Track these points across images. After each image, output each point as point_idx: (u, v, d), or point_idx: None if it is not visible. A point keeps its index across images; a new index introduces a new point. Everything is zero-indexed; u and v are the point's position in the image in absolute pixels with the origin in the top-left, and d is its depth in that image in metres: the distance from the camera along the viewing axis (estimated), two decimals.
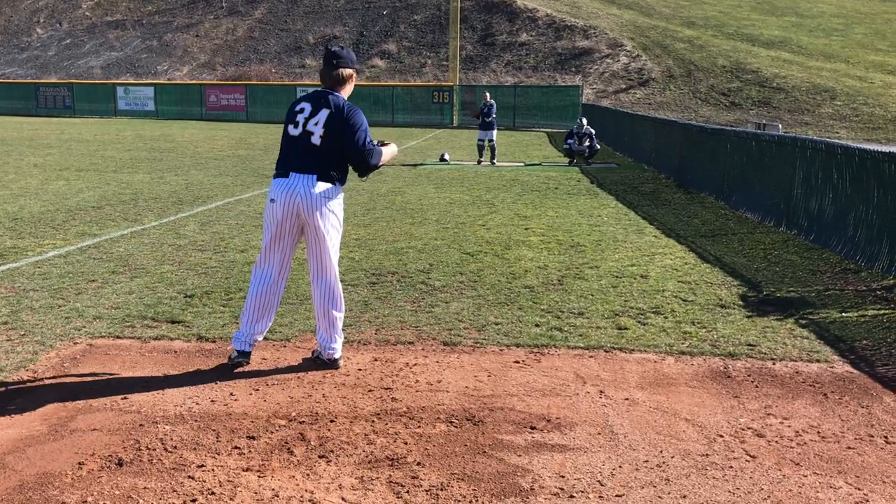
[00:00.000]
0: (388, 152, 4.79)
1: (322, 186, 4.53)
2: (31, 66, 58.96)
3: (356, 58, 4.90)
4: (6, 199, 12.02)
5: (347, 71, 4.68)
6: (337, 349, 4.82)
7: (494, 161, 19.68)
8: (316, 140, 4.53)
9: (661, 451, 3.73)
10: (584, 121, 20.92)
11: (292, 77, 50.97)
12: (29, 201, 11.76)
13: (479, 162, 19.75)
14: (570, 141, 20.49)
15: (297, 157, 4.56)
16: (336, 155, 4.57)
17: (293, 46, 55.18)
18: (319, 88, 4.71)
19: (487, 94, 21.17)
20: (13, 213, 10.67)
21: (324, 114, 4.55)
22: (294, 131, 4.58)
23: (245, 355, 4.79)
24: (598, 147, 20.62)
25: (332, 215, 4.61)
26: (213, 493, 3.27)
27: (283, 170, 4.58)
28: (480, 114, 20.03)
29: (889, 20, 51.80)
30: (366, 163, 4.62)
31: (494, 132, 19.82)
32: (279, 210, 4.54)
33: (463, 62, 46.81)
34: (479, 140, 19.97)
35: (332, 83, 4.67)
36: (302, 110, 4.60)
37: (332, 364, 4.79)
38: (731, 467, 3.58)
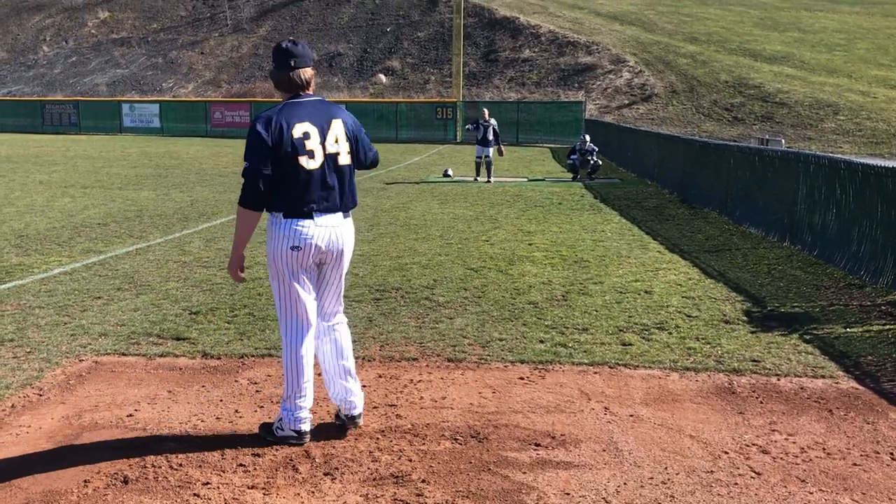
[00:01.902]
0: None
1: (349, 221, 3.96)
2: (38, 84, 59.34)
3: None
4: (12, 216, 12.08)
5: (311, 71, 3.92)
6: (359, 403, 4.17)
7: (491, 179, 19.39)
8: (346, 160, 3.87)
9: (665, 468, 3.72)
10: (588, 137, 20.95)
11: None
12: (35, 218, 11.82)
13: (475, 179, 19.59)
14: (573, 157, 20.52)
15: (324, 192, 3.78)
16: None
17: None
18: (303, 98, 3.84)
19: (486, 110, 21.02)
20: (19, 230, 10.72)
21: (338, 125, 3.86)
22: (311, 163, 3.73)
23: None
24: (601, 163, 20.64)
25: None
26: None
27: (307, 210, 3.76)
28: (477, 126, 19.80)
29: (891, 35, 51.93)
30: (376, 165, 4.21)
31: (491, 150, 19.49)
32: (305, 257, 3.80)
33: (466, 78, 47.00)
34: (477, 157, 19.82)
35: (309, 85, 3.88)
36: (306, 135, 3.73)
37: (351, 422, 4.13)
38: (737, 484, 3.57)
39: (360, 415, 4.12)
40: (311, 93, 3.90)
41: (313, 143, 3.75)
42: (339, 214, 3.86)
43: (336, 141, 3.83)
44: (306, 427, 3.96)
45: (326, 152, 3.79)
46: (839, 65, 45.05)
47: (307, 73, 3.84)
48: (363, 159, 4.06)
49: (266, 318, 6.29)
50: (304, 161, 3.72)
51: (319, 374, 4.16)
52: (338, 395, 4.09)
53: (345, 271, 4.04)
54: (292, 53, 3.80)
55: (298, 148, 3.71)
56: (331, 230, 3.82)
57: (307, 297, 3.88)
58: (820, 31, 53.07)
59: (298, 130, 3.72)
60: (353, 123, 3.98)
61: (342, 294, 4.11)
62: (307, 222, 3.76)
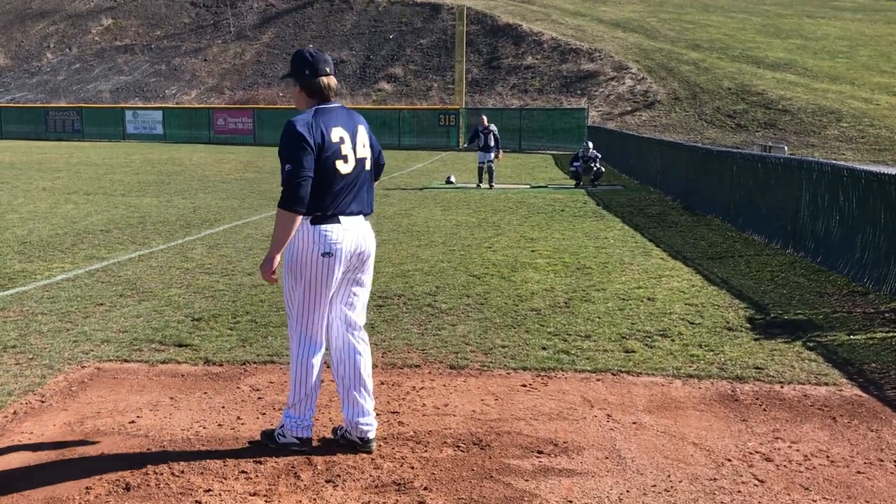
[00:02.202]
0: None
1: (370, 226, 3.96)
2: (41, 91, 59.51)
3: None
4: (15, 222, 12.10)
5: None
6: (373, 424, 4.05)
7: (493, 184, 19.50)
8: (370, 165, 3.92)
9: (668, 476, 3.71)
10: (590, 144, 20.98)
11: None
12: (38, 225, 11.84)
13: (478, 186, 19.67)
14: (576, 164, 20.54)
15: (352, 196, 3.79)
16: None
17: None
18: (330, 105, 3.82)
19: (484, 117, 21.09)
20: (22, 236, 10.74)
21: (363, 131, 3.89)
22: (346, 167, 3.74)
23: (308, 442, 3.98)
24: (604, 170, 20.65)
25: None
26: None
27: (336, 214, 3.73)
28: (476, 134, 19.93)
29: (894, 42, 51.95)
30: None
31: (492, 154, 19.61)
32: (337, 263, 3.74)
33: (469, 85, 47.07)
34: (480, 163, 19.93)
35: (329, 95, 3.85)
36: (341, 140, 3.73)
37: (365, 445, 3.98)
38: (740, 492, 3.56)
39: (374, 439, 3.98)
40: (335, 100, 3.89)
41: (347, 149, 3.76)
42: (362, 217, 3.86)
43: (364, 146, 3.86)
44: (309, 434, 3.93)
45: (357, 157, 3.80)
46: (842, 72, 45.06)
47: (333, 80, 3.86)
48: (380, 164, 4.09)
49: (268, 325, 6.29)
50: (340, 165, 3.72)
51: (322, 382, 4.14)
52: (351, 413, 3.96)
53: (371, 278, 4.03)
54: (324, 60, 3.82)
55: (336, 152, 3.71)
56: (357, 234, 3.81)
57: (326, 307, 3.83)
58: (822, 39, 53.11)
59: (335, 135, 3.72)
60: (370, 130, 4.02)
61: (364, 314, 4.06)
62: (336, 227, 3.72)
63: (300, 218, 3.67)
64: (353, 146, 3.78)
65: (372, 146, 3.97)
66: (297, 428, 3.90)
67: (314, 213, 3.69)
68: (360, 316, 4.01)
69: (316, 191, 3.66)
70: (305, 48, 3.92)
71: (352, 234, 3.77)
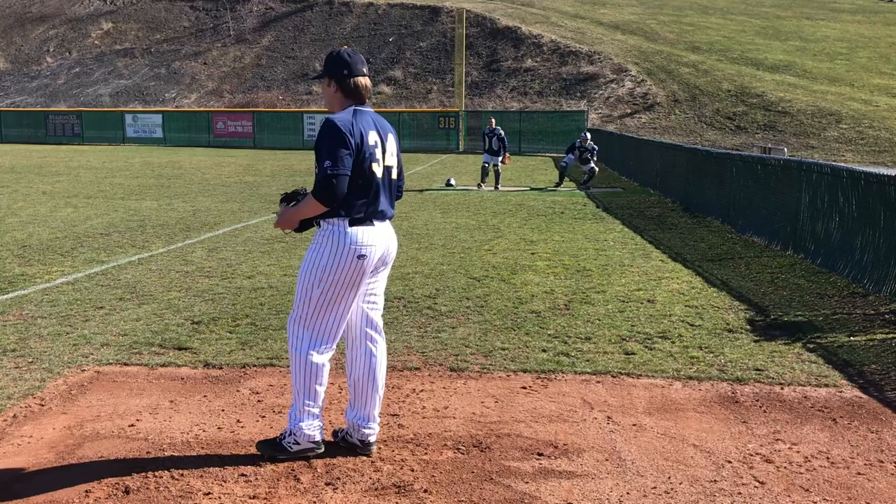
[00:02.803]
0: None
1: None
2: (41, 95, 59.56)
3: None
4: (15, 226, 12.10)
5: None
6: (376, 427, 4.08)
7: (498, 186, 19.70)
8: (395, 174, 3.91)
9: (669, 478, 3.71)
10: (588, 135, 20.99)
11: (299, 104, 51.34)
12: (37, 228, 11.84)
13: (479, 185, 19.73)
14: (570, 156, 20.51)
15: (384, 200, 3.81)
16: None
17: (300, 73, 55.64)
18: (365, 108, 3.82)
19: (493, 119, 21.25)
20: (22, 240, 10.74)
21: (392, 140, 3.89)
22: (378, 170, 3.75)
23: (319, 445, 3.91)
24: (596, 170, 20.61)
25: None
26: None
27: (370, 217, 3.75)
28: (483, 137, 20.10)
29: (893, 44, 52.01)
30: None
31: (498, 158, 19.80)
32: (369, 266, 3.78)
33: (468, 88, 47.11)
34: (485, 162, 19.99)
35: (365, 97, 3.84)
36: (376, 144, 3.74)
37: (365, 448, 3.99)
38: (740, 493, 3.56)
39: (374, 443, 3.98)
40: (368, 104, 3.87)
41: (379, 153, 3.76)
42: (389, 222, 3.89)
43: (392, 155, 3.85)
44: (321, 435, 3.88)
45: (385, 164, 3.80)
46: (841, 73, 45.11)
47: (369, 81, 3.84)
48: (400, 186, 4.06)
49: (268, 328, 6.29)
50: (375, 168, 3.73)
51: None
52: (356, 415, 3.95)
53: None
54: (361, 61, 3.82)
55: (372, 155, 3.71)
56: (387, 238, 3.85)
57: (347, 308, 3.80)
58: (821, 40, 53.16)
59: (372, 138, 3.73)
60: (398, 140, 4.00)
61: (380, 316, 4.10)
62: (372, 231, 3.74)
63: (325, 210, 3.65)
64: (383, 152, 3.79)
65: (399, 159, 3.95)
66: (310, 430, 3.82)
67: (352, 216, 3.68)
68: (380, 317, 4.03)
69: (353, 192, 3.66)
70: (342, 48, 3.88)
71: (383, 238, 3.80)
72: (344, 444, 3.98)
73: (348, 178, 3.61)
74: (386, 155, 3.80)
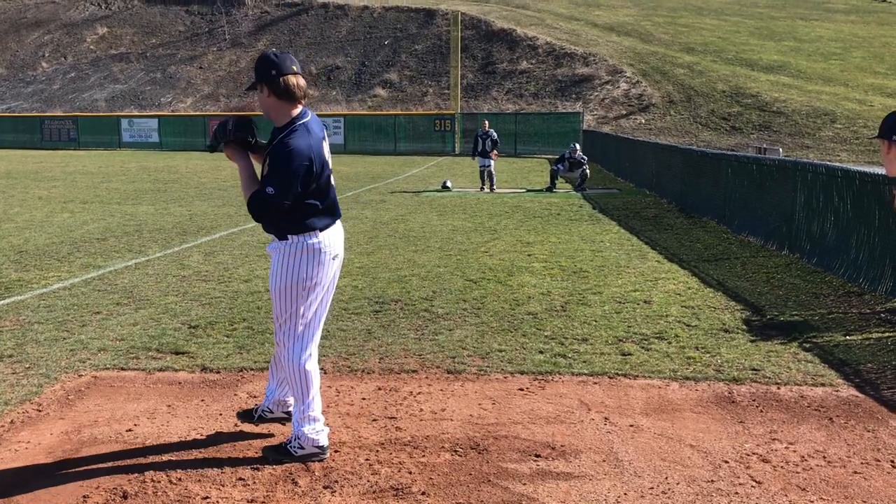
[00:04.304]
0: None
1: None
2: (37, 100, 59.48)
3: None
4: (11, 231, 12.09)
5: None
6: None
7: (494, 188, 19.81)
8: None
9: (666, 478, 3.72)
10: (578, 146, 21.02)
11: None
12: (34, 234, 11.83)
13: (481, 188, 19.92)
14: (559, 165, 20.56)
15: (334, 203, 3.92)
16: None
17: None
18: (305, 115, 3.77)
19: (486, 122, 21.33)
20: (18, 245, 10.73)
21: (326, 143, 3.89)
22: (329, 170, 3.85)
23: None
24: (588, 170, 20.64)
25: None
26: None
27: (332, 218, 3.87)
28: (476, 139, 20.16)
29: (887, 43, 52.15)
30: None
31: (492, 160, 19.89)
32: (338, 264, 3.93)
33: (464, 90, 47.14)
34: (481, 167, 20.10)
35: (300, 98, 3.76)
36: (327, 153, 3.84)
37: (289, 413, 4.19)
38: (737, 493, 3.57)
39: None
40: (304, 104, 3.81)
41: (328, 158, 3.86)
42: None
43: (328, 155, 3.89)
44: (326, 440, 3.92)
45: (331, 166, 3.90)
46: (835, 73, 45.21)
47: (301, 79, 3.74)
48: None
49: (265, 332, 6.29)
50: (331, 178, 3.86)
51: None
52: (285, 393, 4.14)
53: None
54: (291, 59, 3.72)
55: (327, 166, 3.80)
56: (341, 235, 3.98)
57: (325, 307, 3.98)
58: (816, 40, 53.29)
59: (325, 152, 3.80)
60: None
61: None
62: (337, 231, 3.90)
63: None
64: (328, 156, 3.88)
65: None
66: (314, 434, 3.88)
67: (321, 225, 3.79)
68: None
69: (316, 208, 3.76)
70: (269, 50, 3.84)
71: (341, 230, 3.97)
72: (263, 422, 4.18)
73: (286, 206, 3.64)
74: (330, 158, 3.89)
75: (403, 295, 7.69)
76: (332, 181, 3.88)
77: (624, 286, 8.16)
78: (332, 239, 3.83)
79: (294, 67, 3.70)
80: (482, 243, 11.11)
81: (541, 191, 20.23)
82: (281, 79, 3.66)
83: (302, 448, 3.87)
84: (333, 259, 3.83)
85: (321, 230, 3.78)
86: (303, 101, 3.77)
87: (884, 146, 3.45)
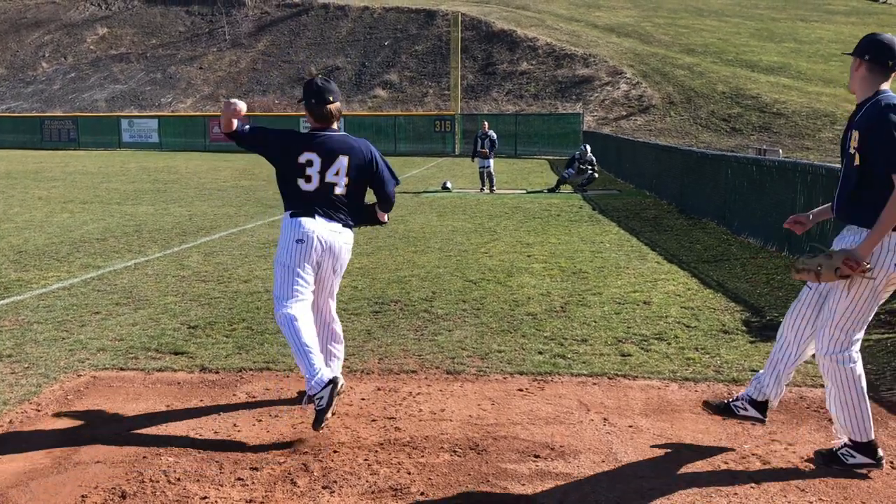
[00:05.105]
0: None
1: (347, 232, 4.45)
2: (37, 100, 59.51)
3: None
4: (11, 231, 12.09)
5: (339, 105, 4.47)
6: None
7: (493, 189, 19.87)
8: (340, 190, 4.37)
9: (665, 479, 3.71)
10: (588, 147, 21.02)
11: (295, 108, 51.33)
12: (34, 234, 11.83)
13: (481, 189, 19.97)
14: (569, 170, 20.59)
15: (326, 205, 4.34)
16: (357, 200, 4.51)
17: (296, 78, 55.66)
18: (317, 131, 4.40)
19: (486, 123, 21.43)
20: (18, 245, 10.73)
21: (345, 162, 4.35)
22: (307, 186, 4.32)
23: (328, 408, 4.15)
24: (596, 175, 20.77)
25: (347, 258, 4.55)
26: None
27: (307, 211, 4.33)
28: (476, 140, 20.27)
29: None
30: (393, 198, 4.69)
31: (491, 161, 20.00)
32: (313, 250, 4.32)
33: (464, 91, 47.16)
34: (480, 168, 20.19)
35: (331, 120, 4.40)
36: (310, 162, 4.31)
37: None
38: (737, 494, 3.56)
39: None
40: (335, 127, 4.42)
41: (313, 171, 4.34)
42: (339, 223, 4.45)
43: (336, 174, 4.36)
44: (331, 374, 4.13)
45: (325, 181, 4.36)
46: (835, 75, 45.22)
47: (334, 107, 4.40)
48: (386, 193, 4.62)
49: (264, 332, 6.29)
50: (303, 177, 4.35)
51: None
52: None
53: (336, 280, 4.63)
54: (329, 89, 4.39)
55: (294, 160, 4.37)
56: (317, 225, 4.37)
57: (304, 283, 4.39)
58: (816, 42, 53.33)
59: (322, 159, 4.35)
60: (368, 161, 4.45)
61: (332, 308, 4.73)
62: (305, 220, 4.37)
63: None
64: (320, 171, 4.35)
65: (359, 177, 4.44)
66: (320, 374, 4.10)
67: (292, 213, 4.39)
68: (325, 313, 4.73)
69: (285, 193, 4.46)
70: (316, 77, 4.53)
71: (321, 231, 4.36)
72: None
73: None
74: (327, 174, 4.33)
75: (403, 295, 7.68)
76: (307, 193, 4.33)
77: (623, 287, 8.16)
78: (303, 226, 4.31)
79: (331, 97, 4.40)
80: (482, 244, 11.11)
81: (541, 191, 20.23)
82: (317, 106, 4.43)
83: (320, 397, 4.07)
84: (298, 242, 4.28)
85: (290, 216, 4.38)
86: (319, 123, 4.43)
87: (854, 63, 3.77)
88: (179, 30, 65.53)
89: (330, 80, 4.49)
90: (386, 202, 4.64)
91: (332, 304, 4.70)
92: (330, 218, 4.35)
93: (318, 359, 4.16)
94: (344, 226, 4.42)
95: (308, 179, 4.31)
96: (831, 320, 3.72)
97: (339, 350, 4.76)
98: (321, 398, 4.04)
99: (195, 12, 66.71)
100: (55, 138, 47.93)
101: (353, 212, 4.50)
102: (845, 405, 3.76)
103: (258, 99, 53.60)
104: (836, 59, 48.80)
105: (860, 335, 3.78)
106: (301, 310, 4.26)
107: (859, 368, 3.75)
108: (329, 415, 4.07)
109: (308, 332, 4.22)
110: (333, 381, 4.07)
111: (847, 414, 3.77)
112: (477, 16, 55.53)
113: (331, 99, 4.36)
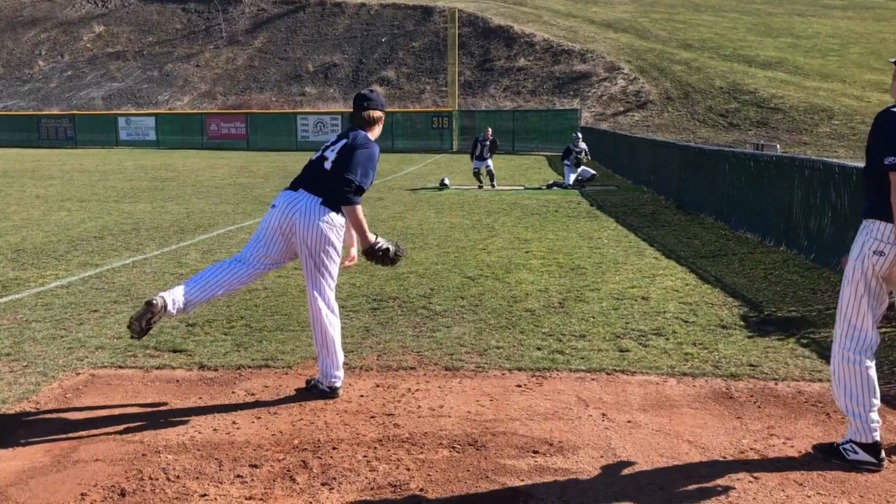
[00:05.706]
0: (360, 231, 4.65)
1: (324, 210, 4.59)
2: (33, 98, 59.40)
3: (384, 101, 5.06)
4: (8, 230, 12.07)
5: (377, 113, 4.85)
6: (339, 377, 4.81)
7: (494, 184, 19.99)
8: (328, 165, 4.67)
9: (664, 474, 3.72)
10: (580, 135, 21.28)
11: (292, 105, 51.32)
12: (31, 232, 11.81)
13: (479, 186, 19.97)
14: (566, 162, 20.65)
15: (308, 178, 4.71)
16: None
17: (293, 75, 55.61)
18: (347, 130, 4.92)
19: (489, 129, 21.70)
20: (15, 244, 10.71)
21: (342, 143, 4.74)
22: (314, 156, 4.85)
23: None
24: (596, 174, 20.91)
25: (330, 239, 4.60)
26: None
27: (293, 185, 4.75)
28: (476, 143, 20.39)
29: (884, 39, 52.17)
30: (343, 192, 4.53)
31: (490, 161, 20.24)
32: (275, 218, 4.62)
33: (462, 87, 47.12)
34: (475, 167, 20.31)
35: (361, 124, 4.84)
36: (326, 142, 4.88)
37: (331, 393, 4.76)
38: (735, 488, 3.57)
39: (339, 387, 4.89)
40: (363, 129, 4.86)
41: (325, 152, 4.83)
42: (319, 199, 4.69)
43: (332, 150, 4.76)
44: (160, 301, 4.42)
45: (323, 154, 4.81)
46: (833, 69, 45.25)
47: (373, 114, 4.87)
48: (339, 178, 4.70)
49: (263, 330, 6.29)
50: (315, 160, 4.88)
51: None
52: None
53: (320, 262, 4.74)
54: (362, 98, 4.89)
55: (321, 153, 4.92)
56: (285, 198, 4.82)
57: (257, 246, 4.77)
58: (813, 37, 53.31)
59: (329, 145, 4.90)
60: (352, 147, 4.69)
61: (320, 291, 4.83)
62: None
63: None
64: (326, 146, 4.85)
65: (343, 158, 4.68)
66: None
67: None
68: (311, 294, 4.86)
69: None
70: (366, 90, 5.10)
71: (295, 203, 4.67)
72: (316, 391, 4.80)
73: None
74: (328, 150, 4.76)
75: (401, 292, 7.69)
76: (309, 163, 4.83)
77: (621, 283, 8.17)
78: (281, 196, 4.75)
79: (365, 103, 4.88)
80: (480, 240, 11.11)
81: (539, 188, 20.23)
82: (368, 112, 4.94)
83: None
84: (272, 207, 4.69)
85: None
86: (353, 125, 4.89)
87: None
88: (176, 27, 65.41)
89: (374, 91, 5.04)
90: (339, 190, 4.54)
91: (319, 302, 4.65)
92: (310, 191, 4.64)
93: (180, 289, 4.53)
94: (323, 203, 4.57)
95: (316, 151, 4.95)
96: (837, 311, 3.90)
97: (326, 344, 4.75)
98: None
99: (192, 9, 66.58)
100: (52, 136, 47.87)
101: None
102: (851, 400, 3.83)
103: (255, 96, 53.52)
104: (834, 53, 48.84)
105: (873, 336, 3.83)
106: (234, 259, 4.71)
107: (872, 372, 3.83)
108: (137, 326, 4.33)
109: (213, 274, 4.64)
110: (149, 303, 4.35)
111: (853, 410, 3.82)
112: (474, 12, 55.48)
113: (365, 105, 4.85)
